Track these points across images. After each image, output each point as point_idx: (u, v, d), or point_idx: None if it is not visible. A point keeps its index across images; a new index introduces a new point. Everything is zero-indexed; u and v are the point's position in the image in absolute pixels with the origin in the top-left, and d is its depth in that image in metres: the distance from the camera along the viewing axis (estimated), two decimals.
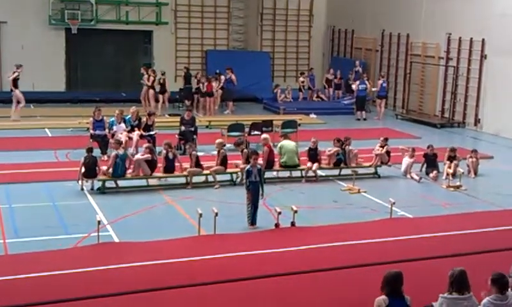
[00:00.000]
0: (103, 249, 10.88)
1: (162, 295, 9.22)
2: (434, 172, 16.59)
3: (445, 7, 25.35)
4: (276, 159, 16.05)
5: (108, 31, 29.59)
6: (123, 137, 17.30)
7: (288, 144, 16.18)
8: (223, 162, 15.39)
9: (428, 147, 17.17)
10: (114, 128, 17.94)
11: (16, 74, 22.61)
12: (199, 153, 16.82)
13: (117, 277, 9.84)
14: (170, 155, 15.11)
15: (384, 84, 26.43)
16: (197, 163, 15.23)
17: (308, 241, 11.55)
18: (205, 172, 15.37)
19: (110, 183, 14.71)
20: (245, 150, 15.44)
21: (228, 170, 15.51)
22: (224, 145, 16.03)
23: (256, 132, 19.40)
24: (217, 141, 15.75)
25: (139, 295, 9.18)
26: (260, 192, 12.41)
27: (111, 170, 14.54)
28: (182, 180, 15.25)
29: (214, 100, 25.45)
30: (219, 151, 15.42)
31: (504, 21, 22.46)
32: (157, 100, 24.72)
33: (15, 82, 22.54)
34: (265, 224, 12.34)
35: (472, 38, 24.01)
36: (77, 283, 9.51)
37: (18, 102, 22.71)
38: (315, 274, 10.13)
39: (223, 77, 25.84)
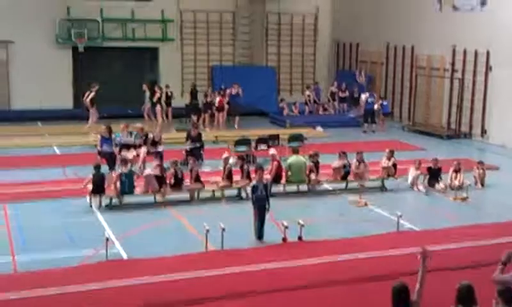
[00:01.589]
0: (111, 265, 10.95)
1: None
2: (441, 184, 16.59)
3: (449, 19, 25.44)
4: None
5: (115, 49, 29.77)
6: (129, 154, 17.47)
7: (296, 162, 16.17)
8: (229, 176, 15.47)
9: (432, 160, 17.15)
10: (118, 139, 18.21)
11: (93, 93, 23.53)
12: (206, 168, 16.98)
13: (125, 294, 9.89)
14: (179, 174, 15.22)
15: (385, 103, 26.47)
16: (197, 178, 15.29)
17: (316, 255, 11.58)
18: (207, 187, 15.42)
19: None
20: (244, 166, 15.59)
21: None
22: (228, 159, 16.02)
23: (262, 147, 19.49)
24: (224, 155, 15.86)
25: None
26: (267, 206, 12.47)
27: (118, 187, 14.63)
28: (188, 196, 15.33)
29: (223, 114, 25.53)
30: (225, 167, 15.52)
31: (508, 32, 22.51)
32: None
33: (92, 101, 23.47)
34: (272, 239, 12.39)
35: (476, 50, 24.07)
36: (86, 300, 9.58)
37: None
38: (323, 289, 10.17)
39: (228, 91, 25.95)
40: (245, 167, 15.65)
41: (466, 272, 10.26)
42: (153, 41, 30.39)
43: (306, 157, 16.69)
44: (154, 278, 10.36)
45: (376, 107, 26.32)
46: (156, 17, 30.14)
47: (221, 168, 15.81)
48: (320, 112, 28.91)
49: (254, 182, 12.72)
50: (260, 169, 12.93)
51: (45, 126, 25.37)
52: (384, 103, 26.53)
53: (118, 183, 14.62)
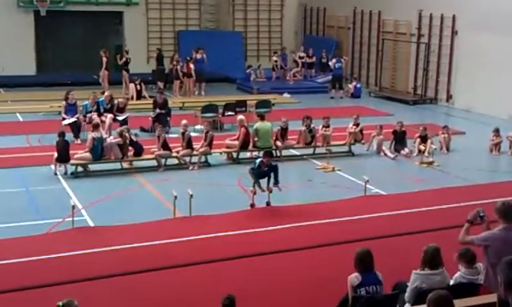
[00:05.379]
0: (78, 233, 10.83)
1: (139, 279, 9.21)
2: (406, 149, 16.73)
3: None
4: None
5: (78, 13, 29.15)
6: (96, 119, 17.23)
7: (263, 126, 16.11)
8: (189, 143, 15.33)
9: (397, 123, 17.26)
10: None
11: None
12: (173, 135, 16.81)
13: (92, 261, 9.80)
14: (133, 138, 15.06)
15: (358, 86, 26.37)
16: (164, 145, 15.15)
17: (284, 220, 11.62)
18: (173, 154, 15.30)
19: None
20: (209, 133, 15.45)
21: (194, 153, 15.40)
22: (187, 125, 15.80)
23: (230, 113, 19.39)
24: (182, 122, 15.66)
25: (115, 279, 9.18)
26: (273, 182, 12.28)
27: (88, 154, 14.40)
28: (155, 163, 15.20)
29: (193, 80, 25.21)
30: (183, 133, 15.35)
31: None
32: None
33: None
34: (240, 205, 12.36)
35: (442, 14, 24.16)
36: (52, 268, 9.49)
37: None
38: (291, 253, 10.21)
39: (194, 56, 25.56)
40: (209, 134, 15.49)
41: (432, 235, 10.38)
42: (117, 5, 29.85)
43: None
44: (121, 246, 10.28)
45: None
46: None
47: (180, 136, 15.59)
48: (288, 77, 28.80)
49: (259, 161, 12.31)
50: (269, 155, 12.64)
51: (8, 93, 24.80)
52: (358, 85, 26.44)
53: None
